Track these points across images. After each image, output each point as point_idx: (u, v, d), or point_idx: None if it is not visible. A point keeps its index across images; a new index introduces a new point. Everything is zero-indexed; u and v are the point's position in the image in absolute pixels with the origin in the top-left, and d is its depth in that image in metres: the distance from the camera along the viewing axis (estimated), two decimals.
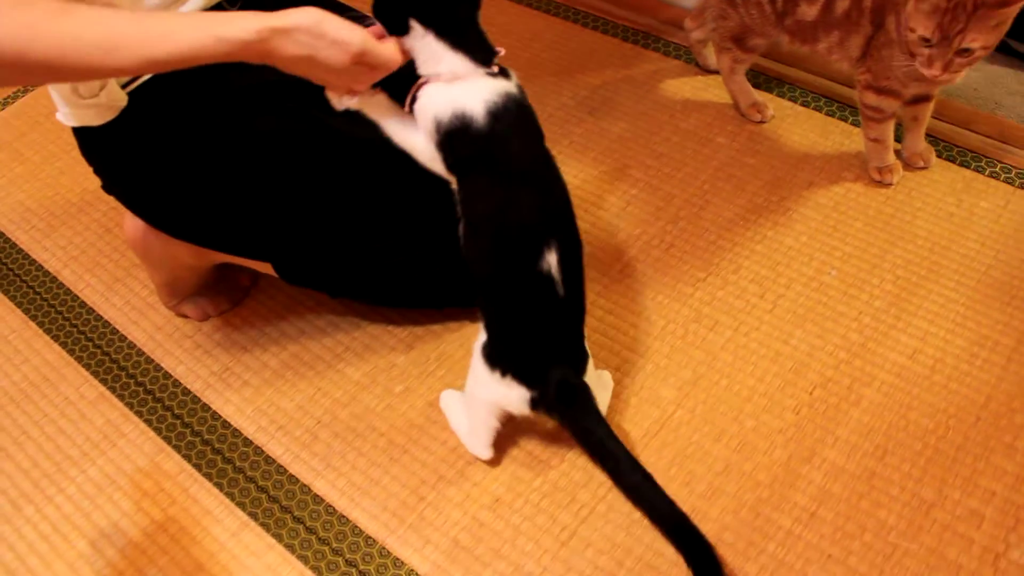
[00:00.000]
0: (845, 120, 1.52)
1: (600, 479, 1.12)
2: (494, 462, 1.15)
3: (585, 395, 1.04)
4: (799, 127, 1.52)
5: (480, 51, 1.00)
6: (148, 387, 1.30)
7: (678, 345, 1.25)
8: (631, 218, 1.41)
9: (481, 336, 1.07)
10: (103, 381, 1.32)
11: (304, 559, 1.10)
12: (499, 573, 1.06)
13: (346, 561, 1.10)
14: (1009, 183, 1.39)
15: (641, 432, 1.16)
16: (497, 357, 1.05)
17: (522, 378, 1.04)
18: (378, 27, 0.97)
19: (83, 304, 1.42)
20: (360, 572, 1.08)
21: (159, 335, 1.37)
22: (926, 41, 1.13)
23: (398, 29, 0.97)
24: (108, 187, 1.20)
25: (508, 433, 1.17)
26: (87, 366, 1.34)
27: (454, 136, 0.99)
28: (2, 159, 1.68)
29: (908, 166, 1.41)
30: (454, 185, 1.05)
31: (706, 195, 1.43)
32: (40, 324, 1.41)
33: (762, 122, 1.52)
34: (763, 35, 1.40)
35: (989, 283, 1.27)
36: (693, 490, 1.10)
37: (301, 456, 1.20)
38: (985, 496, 1.06)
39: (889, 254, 1.32)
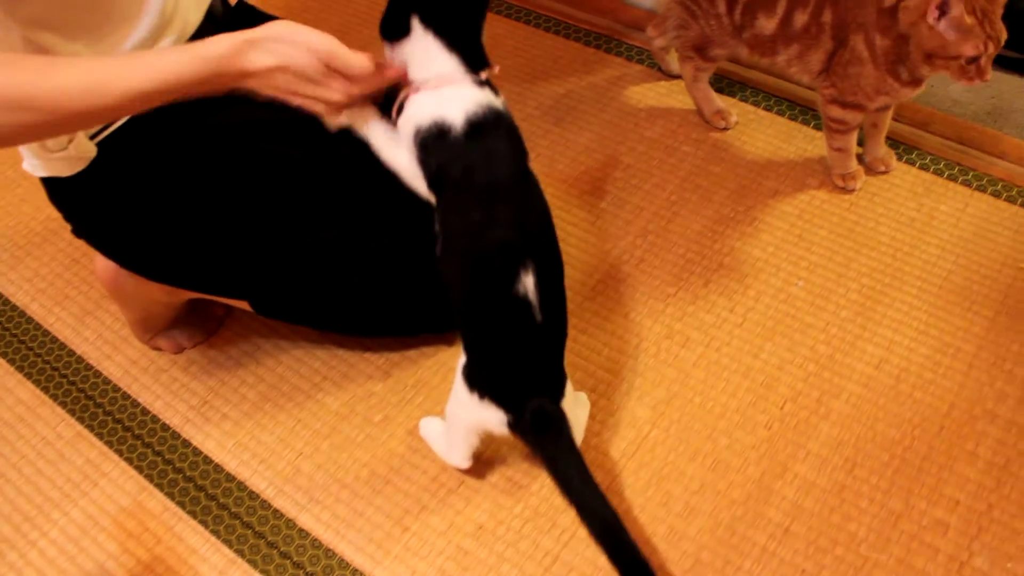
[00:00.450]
0: (807, 124, 1.54)
1: None
2: (475, 489, 1.18)
3: (559, 424, 1.04)
4: (762, 132, 1.54)
5: (473, 57, 1.00)
6: (126, 424, 1.31)
7: (651, 363, 1.27)
8: (601, 232, 1.43)
9: (463, 356, 1.08)
10: (80, 419, 1.32)
11: None
12: None
13: None
14: (967, 185, 1.43)
15: (618, 454, 1.19)
16: (475, 379, 1.06)
17: (499, 402, 1.04)
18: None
19: (54, 339, 1.41)
20: None
21: (134, 369, 1.36)
22: (974, 59, 1.15)
23: (398, 30, 0.98)
24: (78, 232, 1.19)
25: (488, 459, 1.19)
26: (63, 404, 1.34)
27: (431, 143, 0.99)
28: None
29: (870, 171, 1.44)
30: (434, 203, 1.04)
31: (674, 206, 1.45)
32: (11, 361, 1.40)
33: (726, 129, 1.53)
34: (723, 46, 1.41)
35: (950, 289, 1.31)
36: (670, 510, 1.14)
37: (284, 490, 1.21)
38: (950, 505, 1.10)
39: (854, 262, 1.35)
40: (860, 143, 1.43)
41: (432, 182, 1.02)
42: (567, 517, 1.14)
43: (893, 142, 1.48)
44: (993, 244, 1.35)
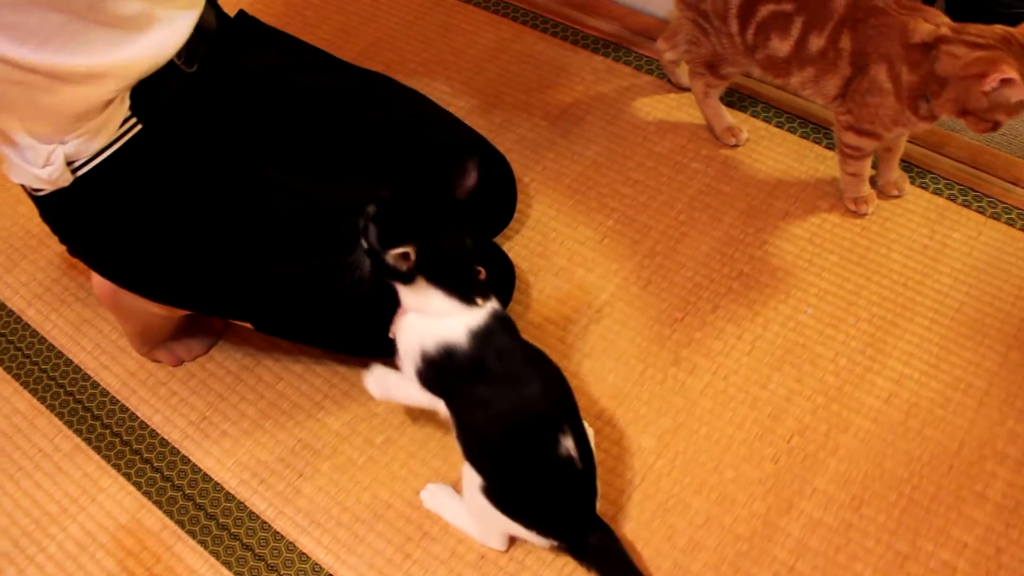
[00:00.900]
0: (819, 143, 1.51)
1: None
2: None
3: (615, 551, 1.06)
4: (773, 151, 1.51)
5: (469, 293, 1.03)
6: (124, 438, 1.29)
7: (657, 391, 1.26)
8: (608, 252, 1.41)
9: (473, 476, 1.07)
10: (78, 432, 1.30)
11: None
12: None
13: None
14: (981, 212, 1.41)
15: (623, 484, 1.18)
16: (522, 515, 1.06)
17: (553, 536, 1.07)
18: None
19: (51, 347, 1.39)
20: None
21: (132, 381, 1.34)
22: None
23: (404, 279, 1.01)
24: (74, 252, 1.17)
25: None
26: (60, 415, 1.32)
27: (442, 363, 1.03)
28: None
29: (882, 195, 1.42)
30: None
31: (682, 226, 1.43)
32: (8, 369, 1.38)
33: (736, 146, 1.51)
34: (735, 64, 1.38)
35: (962, 321, 1.29)
36: (675, 544, 1.13)
37: (285, 511, 1.20)
38: (957, 548, 1.10)
39: (864, 290, 1.33)
40: (873, 165, 1.41)
41: (443, 389, 1.06)
42: None
43: (906, 164, 1.46)
44: (1007, 275, 1.33)
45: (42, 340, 1.40)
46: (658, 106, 1.60)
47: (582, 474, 1.04)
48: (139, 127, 1.05)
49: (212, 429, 1.28)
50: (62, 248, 1.50)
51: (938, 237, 1.38)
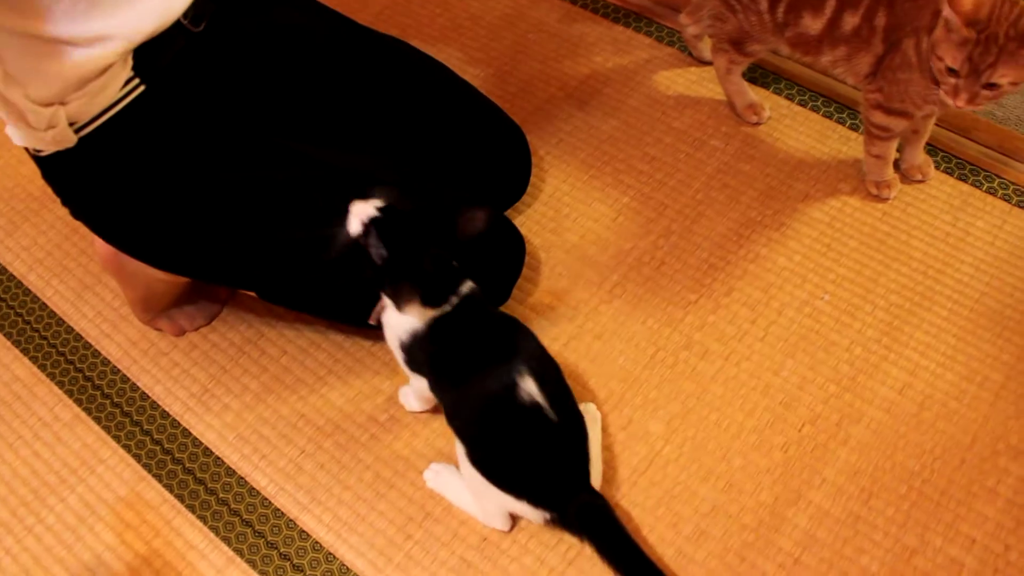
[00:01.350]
0: (843, 123, 1.47)
1: None
2: None
3: (605, 515, 1.04)
4: (795, 130, 1.47)
5: (443, 300, 1.03)
6: (125, 409, 1.27)
7: (668, 375, 1.23)
8: (622, 230, 1.37)
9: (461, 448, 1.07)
10: (78, 401, 1.28)
11: None
12: None
13: None
14: (1006, 200, 1.36)
15: (629, 470, 1.16)
16: (506, 482, 1.05)
17: (537, 504, 1.04)
18: None
19: (52, 313, 1.37)
20: None
21: (134, 351, 1.33)
22: (953, 72, 1.08)
23: (383, 287, 1.03)
24: (76, 215, 1.14)
25: None
26: (60, 384, 1.30)
27: (416, 348, 1.06)
28: None
29: (905, 179, 1.38)
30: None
31: (699, 205, 1.39)
32: (8, 335, 1.36)
33: (758, 123, 1.46)
34: (762, 42, 1.33)
35: (981, 312, 1.26)
36: (680, 532, 1.11)
37: (286, 488, 1.19)
38: (966, 544, 1.08)
39: (883, 277, 1.30)
40: (897, 148, 1.37)
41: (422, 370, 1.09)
42: None
43: (931, 148, 1.41)
44: None
45: (43, 306, 1.38)
46: (678, 80, 1.55)
47: (560, 429, 1.02)
48: (142, 88, 1.02)
49: (214, 402, 1.27)
50: (65, 211, 1.46)
51: (961, 225, 1.34)
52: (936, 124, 1.40)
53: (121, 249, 1.16)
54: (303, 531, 1.15)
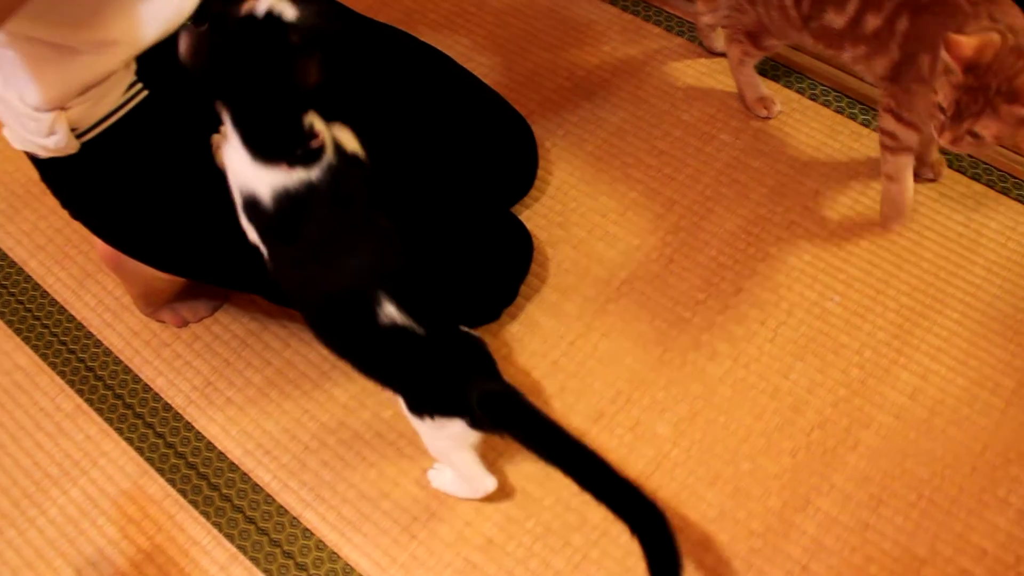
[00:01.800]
0: (855, 119, 1.44)
1: (593, 523, 1.11)
2: (486, 500, 1.13)
3: (510, 398, 0.99)
4: (807, 125, 1.44)
5: (272, 153, 0.93)
6: (127, 401, 1.26)
7: (675, 377, 1.22)
8: (630, 226, 1.36)
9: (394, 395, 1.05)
10: (79, 392, 1.27)
11: None
12: None
13: None
14: (1019, 201, 1.35)
15: (635, 473, 1.15)
16: (415, 406, 1.03)
17: (447, 413, 1.01)
18: None
19: (53, 302, 1.36)
20: None
21: (136, 341, 1.31)
22: (941, 109, 1.06)
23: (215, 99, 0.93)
24: (76, 217, 1.12)
25: (500, 470, 1.15)
26: (62, 374, 1.29)
27: (248, 208, 0.98)
28: None
29: (918, 178, 1.35)
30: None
31: (708, 202, 1.37)
32: (9, 323, 1.34)
33: (768, 118, 1.44)
34: (781, 36, 1.31)
35: (994, 316, 1.24)
36: (687, 538, 1.10)
37: (290, 485, 1.18)
38: (976, 554, 1.07)
39: (894, 278, 1.28)
40: None
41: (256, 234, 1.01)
42: (580, 536, 1.11)
43: None
44: None
45: (44, 294, 1.37)
46: (688, 71, 1.52)
47: (429, 337, 0.98)
48: (145, 93, 1.00)
49: (217, 396, 1.26)
50: None
51: (974, 225, 1.33)
52: None
53: (123, 251, 1.15)
54: (307, 529, 1.14)
